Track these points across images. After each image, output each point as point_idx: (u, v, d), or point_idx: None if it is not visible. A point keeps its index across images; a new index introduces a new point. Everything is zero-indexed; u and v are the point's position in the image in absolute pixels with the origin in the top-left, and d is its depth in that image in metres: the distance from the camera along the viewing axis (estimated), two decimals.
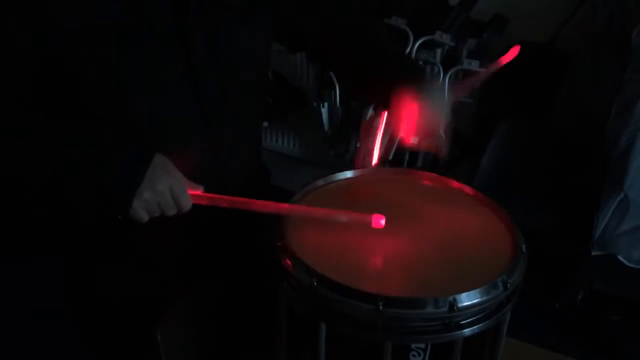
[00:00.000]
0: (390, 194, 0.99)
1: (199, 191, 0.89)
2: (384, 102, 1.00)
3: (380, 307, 0.71)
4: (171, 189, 0.85)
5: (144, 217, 0.85)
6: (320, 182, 1.01)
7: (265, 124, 2.71)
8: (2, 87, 0.86)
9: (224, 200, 0.89)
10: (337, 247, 0.85)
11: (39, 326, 1.97)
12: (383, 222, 0.84)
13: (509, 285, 0.77)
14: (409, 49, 2.17)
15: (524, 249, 0.84)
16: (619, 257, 1.89)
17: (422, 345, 0.79)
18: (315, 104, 2.42)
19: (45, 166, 0.84)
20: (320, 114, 2.43)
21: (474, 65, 2.13)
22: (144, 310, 0.98)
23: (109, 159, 0.83)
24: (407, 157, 2.27)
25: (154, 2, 0.87)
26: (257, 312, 1.00)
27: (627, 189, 1.78)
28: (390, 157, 1.07)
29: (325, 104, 2.41)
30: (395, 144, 1.05)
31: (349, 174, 1.04)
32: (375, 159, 1.00)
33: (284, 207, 0.88)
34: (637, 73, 1.75)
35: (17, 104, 0.87)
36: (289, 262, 0.79)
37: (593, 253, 1.87)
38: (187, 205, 0.87)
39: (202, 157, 0.97)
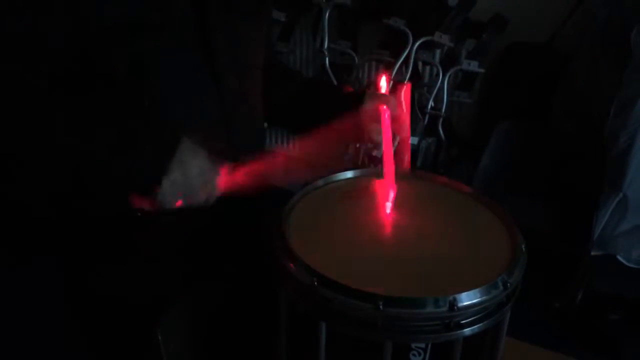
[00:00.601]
0: (390, 194, 0.99)
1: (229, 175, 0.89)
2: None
3: (381, 307, 0.71)
4: (200, 173, 0.85)
5: (171, 201, 0.84)
6: (320, 182, 1.01)
7: (265, 124, 2.71)
8: (31, 82, 0.86)
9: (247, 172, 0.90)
10: (337, 247, 0.85)
11: (39, 326, 1.96)
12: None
13: (508, 284, 0.77)
14: (408, 50, 2.18)
15: (523, 249, 0.84)
16: (618, 256, 1.90)
17: (422, 345, 0.79)
18: None
19: (73, 151, 0.84)
20: None
21: (473, 65, 2.13)
22: (145, 311, 0.98)
23: (138, 140, 0.84)
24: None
25: (175, 3, 0.89)
26: (258, 312, 1.00)
27: (625, 189, 1.79)
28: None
29: None
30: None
31: (348, 174, 1.05)
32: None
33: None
34: (636, 73, 1.75)
35: (40, 95, 0.87)
36: (289, 261, 0.79)
37: (592, 253, 1.87)
38: (214, 189, 0.87)
39: (221, 154, 0.98)
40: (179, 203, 0.86)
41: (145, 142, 0.85)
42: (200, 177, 0.85)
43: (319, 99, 1.14)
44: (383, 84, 1.08)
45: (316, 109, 1.13)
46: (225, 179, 0.88)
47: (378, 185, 1.02)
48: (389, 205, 0.96)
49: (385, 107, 1.02)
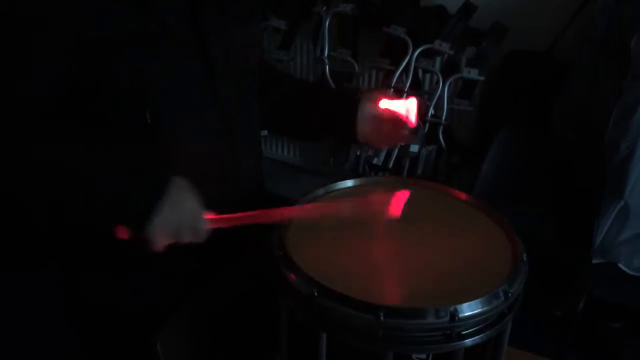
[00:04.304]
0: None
1: (213, 216, 0.88)
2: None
3: (381, 317, 0.71)
4: (191, 214, 0.85)
5: (161, 240, 0.84)
6: (320, 191, 1.01)
7: (265, 132, 2.72)
8: (28, 103, 0.86)
9: (237, 219, 0.88)
10: (338, 257, 0.85)
11: (39, 336, 1.96)
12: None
13: (510, 295, 0.77)
14: (408, 58, 2.18)
15: (524, 259, 0.84)
16: (620, 264, 1.89)
17: (423, 356, 0.79)
18: None
19: (66, 182, 0.84)
20: None
21: (473, 73, 2.13)
22: (145, 322, 0.98)
23: (134, 175, 0.84)
24: (407, 165, 2.27)
25: (171, 12, 0.89)
26: (258, 323, 1.00)
27: (627, 197, 1.78)
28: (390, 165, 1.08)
29: None
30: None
31: (349, 182, 1.04)
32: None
33: (295, 210, 0.90)
34: (636, 80, 1.75)
35: (42, 120, 0.87)
36: (289, 272, 0.79)
37: (593, 261, 1.86)
38: (203, 232, 0.87)
39: (222, 162, 0.98)
40: (167, 241, 0.85)
41: (147, 161, 0.85)
42: (191, 218, 0.85)
43: (314, 100, 1.14)
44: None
45: (312, 110, 1.12)
46: (214, 221, 0.88)
47: (379, 194, 1.02)
48: (389, 214, 0.96)
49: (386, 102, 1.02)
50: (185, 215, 0.84)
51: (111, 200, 0.83)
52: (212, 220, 0.87)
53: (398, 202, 0.88)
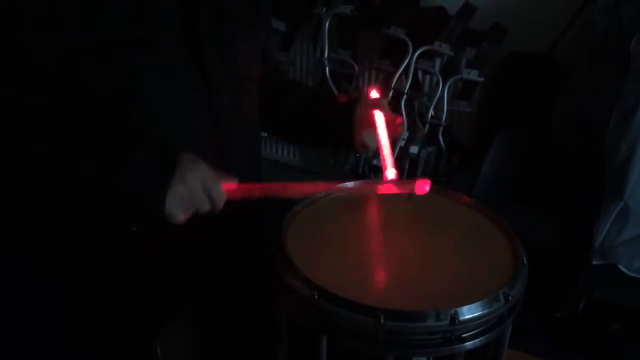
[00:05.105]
0: (390, 204, 0.99)
1: (233, 185, 0.88)
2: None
3: (382, 320, 0.71)
4: (202, 183, 0.84)
5: (180, 215, 0.84)
6: (320, 192, 1.01)
7: (265, 134, 2.72)
8: (20, 102, 0.86)
9: (257, 188, 0.90)
10: (338, 260, 0.85)
11: (38, 337, 1.96)
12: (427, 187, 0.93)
13: (510, 297, 0.76)
14: (408, 59, 2.18)
15: (525, 261, 0.84)
16: (620, 266, 1.89)
17: (424, 359, 0.79)
18: None
19: (73, 178, 0.84)
20: None
21: (473, 74, 2.14)
22: (145, 324, 0.98)
23: (138, 159, 0.84)
24: (406, 167, 2.27)
25: (163, 16, 0.89)
26: (258, 326, 1.00)
27: (627, 198, 1.78)
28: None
29: None
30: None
31: (349, 184, 1.04)
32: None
33: (320, 187, 0.94)
34: (636, 82, 1.75)
35: (34, 118, 0.87)
36: (289, 274, 0.79)
37: (593, 262, 1.86)
38: (220, 198, 0.86)
39: (214, 166, 0.98)
40: (186, 215, 0.85)
41: (137, 161, 0.84)
42: (203, 187, 0.85)
43: (317, 112, 1.14)
44: (374, 95, 1.08)
45: (314, 121, 1.13)
46: (229, 186, 0.88)
47: (379, 196, 1.02)
48: (388, 217, 0.96)
49: (378, 110, 1.02)
50: (196, 185, 0.84)
51: (119, 190, 0.83)
52: (229, 188, 0.87)
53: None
